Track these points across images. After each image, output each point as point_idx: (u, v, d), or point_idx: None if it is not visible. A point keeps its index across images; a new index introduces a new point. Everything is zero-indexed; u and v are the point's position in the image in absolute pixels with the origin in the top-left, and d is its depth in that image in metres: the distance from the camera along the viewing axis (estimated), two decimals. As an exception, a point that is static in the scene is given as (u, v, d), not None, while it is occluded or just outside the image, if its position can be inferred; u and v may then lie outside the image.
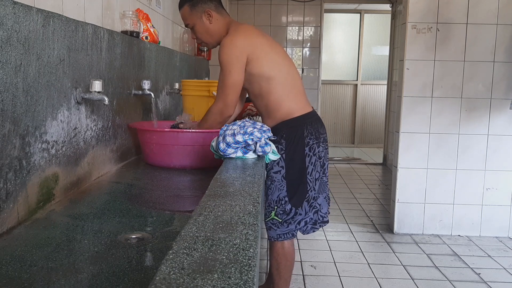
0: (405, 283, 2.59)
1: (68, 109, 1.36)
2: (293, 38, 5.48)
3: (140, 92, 2.02)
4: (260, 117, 2.18)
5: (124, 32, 1.91)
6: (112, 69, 1.73)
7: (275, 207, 1.91)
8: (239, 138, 1.37)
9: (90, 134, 1.54)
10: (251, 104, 2.34)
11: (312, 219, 1.95)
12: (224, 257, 0.65)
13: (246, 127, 1.40)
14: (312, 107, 2.01)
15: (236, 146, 1.39)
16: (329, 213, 2.03)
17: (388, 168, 5.69)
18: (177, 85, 2.71)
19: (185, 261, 0.63)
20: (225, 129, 1.42)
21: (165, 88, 2.57)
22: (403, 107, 3.29)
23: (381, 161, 6.12)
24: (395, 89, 5.11)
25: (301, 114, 1.91)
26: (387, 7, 5.92)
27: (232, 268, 0.61)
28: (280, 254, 1.99)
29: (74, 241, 1.05)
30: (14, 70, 1.06)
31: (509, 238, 3.35)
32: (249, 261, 0.64)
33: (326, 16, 6.50)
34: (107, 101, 1.44)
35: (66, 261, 0.91)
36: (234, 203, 0.93)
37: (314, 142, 1.91)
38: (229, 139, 1.38)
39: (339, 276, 2.66)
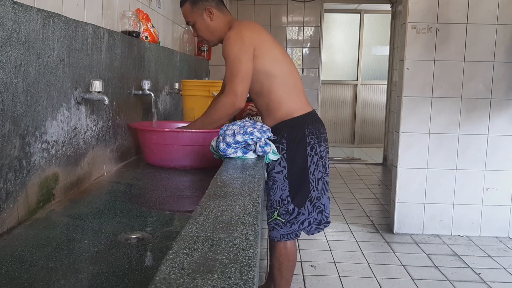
0: (405, 283, 2.59)
1: (68, 109, 1.36)
2: (293, 38, 5.48)
3: (140, 92, 2.02)
4: (260, 117, 2.18)
5: (124, 32, 1.91)
6: (112, 69, 1.73)
7: (278, 208, 1.90)
8: (239, 138, 1.37)
9: (90, 134, 1.54)
10: (251, 104, 2.34)
11: (316, 219, 1.94)
12: (224, 257, 0.65)
13: (246, 127, 1.40)
14: (312, 107, 2.01)
15: (236, 146, 1.39)
16: (329, 212, 2.03)
17: (388, 168, 5.69)
18: (177, 85, 2.71)
19: (185, 261, 0.63)
20: (225, 129, 1.42)
21: (165, 88, 2.57)
22: (403, 107, 3.29)
23: (381, 161, 6.12)
24: (395, 89, 5.11)
25: (301, 113, 1.91)
26: (387, 7, 5.92)
27: (232, 268, 0.61)
28: (282, 255, 1.99)
29: (74, 241, 1.05)
30: (14, 70, 1.06)
31: (509, 238, 3.35)
32: (249, 261, 0.64)
33: (326, 16, 6.50)
34: (107, 101, 1.44)
35: (66, 261, 0.91)
36: (234, 203, 0.93)
37: (316, 142, 1.91)
38: (229, 139, 1.38)
39: (339, 276, 2.66)
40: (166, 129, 1.90)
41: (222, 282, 0.58)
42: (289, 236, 1.94)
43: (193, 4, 1.91)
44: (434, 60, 3.25)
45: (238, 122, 1.44)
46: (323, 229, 1.99)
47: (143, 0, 2.27)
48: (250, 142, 1.39)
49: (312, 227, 1.95)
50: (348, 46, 7.38)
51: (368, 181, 5.11)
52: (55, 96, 1.28)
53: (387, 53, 5.98)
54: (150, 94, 2.03)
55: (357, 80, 7.39)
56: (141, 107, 2.13)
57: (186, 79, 2.94)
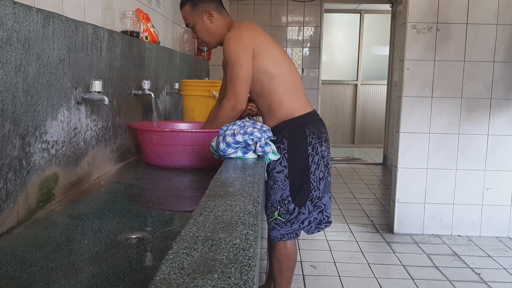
0: (405, 283, 2.59)
1: (68, 109, 1.36)
2: (293, 38, 5.48)
3: (140, 92, 2.02)
4: (260, 117, 2.18)
5: (124, 32, 1.91)
6: (112, 69, 1.73)
7: (278, 207, 1.90)
8: (239, 138, 1.37)
9: (90, 134, 1.54)
10: (251, 104, 2.34)
11: (316, 218, 1.95)
12: (224, 257, 0.65)
13: (246, 127, 1.40)
14: (313, 107, 2.01)
15: (236, 146, 1.39)
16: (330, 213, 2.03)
17: (388, 168, 5.69)
18: (177, 85, 2.71)
19: (185, 261, 0.63)
20: (225, 129, 1.42)
21: (165, 88, 2.57)
22: (403, 107, 3.29)
23: (381, 161, 6.12)
24: (395, 89, 5.11)
25: (302, 113, 1.91)
26: (387, 7, 5.92)
27: (232, 268, 0.61)
28: (282, 254, 1.99)
29: (74, 241, 1.05)
30: (14, 70, 1.06)
31: (509, 238, 3.35)
32: (249, 261, 0.64)
33: (326, 16, 6.50)
34: (107, 101, 1.44)
35: (66, 261, 0.91)
36: (234, 203, 0.93)
37: (317, 142, 1.91)
38: (229, 139, 1.38)
39: (339, 276, 2.66)
40: (166, 129, 1.90)
41: (222, 282, 0.58)
42: (289, 236, 1.94)
43: (193, 6, 1.91)
44: (434, 60, 3.25)
45: (238, 122, 1.44)
46: (323, 228, 1.99)
47: (143, 0, 2.27)
48: (250, 142, 1.39)
49: (312, 226, 1.96)
50: (348, 46, 7.38)
51: (368, 181, 5.11)
52: (55, 96, 1.28)
53: (387, 53, 5.98)
54: (150, 94, 2.03)
55: (357, 80, 7.39)
56: (141, 107, 2.13)
57: (186, 79, 2.94)
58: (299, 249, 3.01)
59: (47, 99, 1.23)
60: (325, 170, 1.94)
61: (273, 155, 1.51)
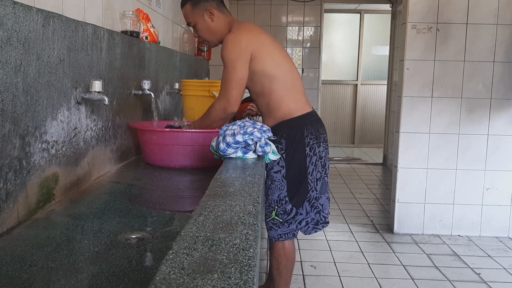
0: (405, 283, 2.59)
1: (68, 109, 1.36)
2: (293, 38, 5.48)
3: (140, 92, 2.02)
4: (260, 117, 2.18)
5: (124, 32, 1.91)
6: (112, 69, 1.73)
7: (276, 207, 1.91)
8: (239, 138, 1.37)
9: (90, 134, 1.54)
10: (251, 104, 2.34)
11: (313, 219, 1.95)
12: (224, 257, 0.65)
13: (246, 127, 1.40)
14: (312, 107, 2.01)
15: (236, 146, 1.39)
16: (328, 213, 2.03)
17: (388, 168, 5.69)
18: (177, 85, 2.71)
19: (185, 261, 0.63)
20: (225, 129, 1.42)
21: (165, 88, 2.57)
22: (403, 107, 3.29)
23: (381, 161, 6.12)
24: (395, 89, 5.11)
25: (301, 114, 1.91)
26: (387, 7, 5.92)
27: (232, 268, 0.61)
28: (281, 254, 1.99)
29: (74, 241, 1.05)
30: (14, 70, 1.06)
31: (509, 238, 3.35)
32: (249, 261, 0.64)
33: (326, 16, 6.50)
34: (107, 101, 1.44)
35: (66, 261, 0.91)
36: (234, 203, 0.93)
37: (314, 142, 1.91)
38: (229, 139, 1.38)
39: (339, 276, 2.66)
40: (166, 129, 1.90)
41: (222, 282, 0.58)
42: (286, 236, 1.94)
43: (194, 5, 1.91)
44: (434, 60, 3.25)
45: (238, 122, 1.44)
46: (320, 229, 2.00)
47: (143, 0, 2.27)
48: (250, 142, 1.39)
49: (309, 227, 1.96)
50: (348, 46, 7.38)
51: (368, 181, 5.11)
52: (55, 96, 1.28)
53: (387, 53, 5.98)
54: (150, 94, 2.03)
55: (357, 80, 7.39)
56: (141, 107, 2.13)
57: (186, 79, 2.94)
58: (299, 249, 3.01)
59: (47, 99, 1.23)
60: (322, 170, 1.94)
61: (273, 155, 1.51)
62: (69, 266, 0.89)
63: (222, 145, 1.39)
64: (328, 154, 2.00)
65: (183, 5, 1.95)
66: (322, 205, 1.95)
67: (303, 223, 1.94)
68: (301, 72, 5.48)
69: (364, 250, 3.06)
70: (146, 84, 2.02)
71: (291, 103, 1.91)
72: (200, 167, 1.78)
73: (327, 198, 1.99)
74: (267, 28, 5.35)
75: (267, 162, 1.53)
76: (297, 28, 5.47)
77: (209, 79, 4.08)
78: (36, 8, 1.16)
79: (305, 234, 1.98)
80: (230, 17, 1.98)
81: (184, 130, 1.86)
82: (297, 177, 1.89)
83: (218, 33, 1.95)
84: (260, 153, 1.43)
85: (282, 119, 1.90)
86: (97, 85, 1.44)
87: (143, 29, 2.14)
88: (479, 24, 3.21)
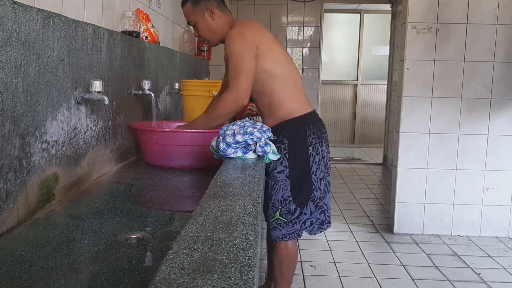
0: (405, 283, 2.59)
1: (68, 109, 1.36)
2: (293, 38, 5.48)
3: (140, 92, 2.02)
4: (260, 117, 2.18)
5: (124, 32, 1.91)
6: (112, 69, 1.73)
7: (280, 207, 1.90)
8: (239, 138, 1.37)
9: (90, 134, 1.54)
10: (251, 104, 2.34)
11: (319, 219, 1.94)
12: (224, 257, 0.65)
13: (246, 127, 1.40)
14: (312, 107, 2.01)
15: (236, 146, 1.39)
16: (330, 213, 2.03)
17: (388, 168, 5.69)
18: (177, 85, 2.71)
19: (185, 261, 0.63)
20: (225, 129, 1.42)
21: (165, 88, 2.57)
22: (403, 107, 3.29)
23: (381, 161, 6.12)
24: (395, 89, 5.11)
25: (303, 113, 1.91)
26: (387, 7, 5.92)
27: (232, 268, 0.61)
28: (283, 254, 1.98)
29: (74, 241, 1.05)
30: (14, 70, 1.06)
31: (509, 238, 3.35)
32: (249, 261, 0.64)
33: (326, 16, 6.50)
34: (107, 101, 1.44)
35: (66, 261, 0.91)
36: (234, 203, 0.93)
37: (317, 142, 1.91)
38: (229, 139, 1.38)
39: (339, 276, 2.66)
40: (166, 129, 1.90)
41: (222, 282, 0.58)
42: (291, 236, 1.94)
43: (194, 4, 1.91)
44: (434, 60, 3.25)
45: (238, 122, 1.44)
46: (325, 229, 1.99)
47: (143, 0, 2.27)
48: (250, 142, 1.39)
49: (314, 227, 1.95)
50: (348, 46, 7.38)
51: (368, 181, 5.11)
52: (55, 96, 1.28)
53: (387, 53, 5.98)
54: (150, 94, 2.03)
55: (357, 80, 7.39)
56: (141, 107, 2.13)
57: (186, 79, 2.94)
58: (299, 249, 3.01)
59: (47, 99, 1.23)
60: (325, 170, 1.94)
61: (273, 155, 1.51)
62: (69, 266, 0.89)
63: (222, 145, 1.39)
64: (329, 153, 2.00)
65: (183, 4, 1.95)
66: (326, 205, 1.95)
67: (308, 223, 1.93)
68: (301, 72, 5.48)
69: (364, 250, 3.06)
70: (146, 84, 2.01)
71: (292, 103, 1.91)
72: (200, 167, 1.78)
73: (329, 198, 1.99)
74: (267, 28, 5.32)
75: (267, 162, 1.53)
76: (297, 28, 5.47)
77: (209, 79, 4.08)
78: (36, 8, 1.16)
79: (310, 234, 1.98)
80: (231, 16, 1.98)
81: (184, 130, 1.86)
82: (300, 176, 1.89)
83: (219, 32, 1.94)
84: (260, 153, 1.43)
85: (284, 119, 1.90)
86: (97, 85, 1.44)
87: (143, 29, 2.14)
88: (479, 24, 3.21)
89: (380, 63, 7.33)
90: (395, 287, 2.55)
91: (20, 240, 1.02)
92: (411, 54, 3.24)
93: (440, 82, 3.26)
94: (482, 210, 3.35)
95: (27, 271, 0.86)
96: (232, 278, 0.59)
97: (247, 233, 0.75)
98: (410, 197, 3.36)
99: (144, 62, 2.15)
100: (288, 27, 5.46)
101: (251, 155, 1.44)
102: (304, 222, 1.93)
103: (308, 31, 5.48)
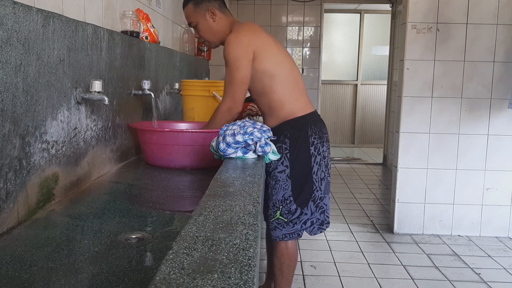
0: (405, 283, 2.59)
1: (68, 109, 1.36)
2: (293, 38, 5.48)
3: (140, 92, 2.02)
4: (260, 117, 2.18)
5: (124, 32, 1.91)
6: (112, 69, 1.73)
7: (280, 207, 1.90)
8: (239, 138, 1.37)
9: (90, 134, 1.54)
10: (251, 104, 2.34)
11: (319, 219, 1.95)
12: (224, 257, 0.65)
13: (246, 127, 1.40)
14: (314, 107, 2.01)
15: (236, 146, 1.39)
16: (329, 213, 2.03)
17: (388, 168, 5.69)
18: (177, 85, 2.71)
19: (185, 261, 0.63)
20: (225, 129, 1.42)
21: (165, 88, 2.57)
22: (403, 107, 3.29)
23: (381, 161, 6.12)
24: (395, 89, 5.11)
25: (304, 113, 1.92)
26: (387, 7, 5.92)
27: (232, 268, 0.61)
28: (284, 254, 1.99)
29: (74, 241, 1.05)
30: (14, 70, 1.06)
31: (509, 238, 3.35)
32: (249, 261, 0.64)
33: (326, 16, 6.50)
34: (107, 101, 1.44)
35: (66, 261, 0.91)
36: (234, 203, 0.93)
37: (318, 142, 1.91)
38: (229, 139, 1.38)
39: (339, 276, 2.66)
40: (166, 129, 1.90)
41: (222, 282, 0.58)
42: (291, 236, 1.94)
43: (196, 5, 1.91)
44: (434, 60, 3.25)
45: (238, 122, 1.44)
46: (325, 229, 1.99)
47: (143, 0, 2.27)
48: (250, 142, 1.39)
49: (314, 227, 1.96)
50: (348, 46, 7.38)
51: (368, 181, 5.11)
52: (55, 96, 1.28)
53: (387, 53, 5.98)
54: (150, 94, 2.03)
55: (357, 80, 7.39)
56: (141, 107, 2.13)
57: (186, 79, 2.94)
58: (299, 249, 3.01)
59: (47, 99, 1.23)
60: (326, 170, 1.94)
61: (273, 155, 1.51)
62: (69, 266, 0.89)
63: (222, 145, 1.39)
64: (330, 153, 2.00)
65: (185, 5, 1.95)
66: (326, 205, 1.95)
67: (308, 223, 1.94)
68: (301, 72, 5.48)
69: (364, 250, 3.06)
70: (146, 84, 2.01)
71: (293, 103, 1.91)
72: (200, 167, 1.78)
73: (329, 198, 1.99)
74: (267, 28, 5.35)
75: (267, 162, 1.53)
76: (297, 28, 5.47)
77: (209, 79, 4.08)
78: (36, 8, 1.16)
79: (311, 235, 1.98)
80: (232, 18, 1.98)
81: (184, 130, 1.86)
82: (301, 177, 1.89)
83: (219, 33, 1.95)
84: (260, 153, 1.43)
85: (285, 119, 1.90)
86: (97, 85, 1.44)
87: (143, 29, 2.14)
88: (479, 24, 3.21)
89: (380, 63, 7.33)
90: (395, 287, 2.55)
91: (20, 240, 1.02)
92: (411, 54, 3.24)
93: (440, 82, 3.26)
94: (482, 210, 3.35)
95: (27, 271, 0.86)
96: (232, 278, 0.59)
97: (247, 233, 0.75)
98: (410, 197, 3.36)
99: (144, 62, 2.15)
100: (288, 27, 5.46)
101: (251, 155, 1.43)
102: (305, 222, 1.93)
103: (308, 31, 5.48)
